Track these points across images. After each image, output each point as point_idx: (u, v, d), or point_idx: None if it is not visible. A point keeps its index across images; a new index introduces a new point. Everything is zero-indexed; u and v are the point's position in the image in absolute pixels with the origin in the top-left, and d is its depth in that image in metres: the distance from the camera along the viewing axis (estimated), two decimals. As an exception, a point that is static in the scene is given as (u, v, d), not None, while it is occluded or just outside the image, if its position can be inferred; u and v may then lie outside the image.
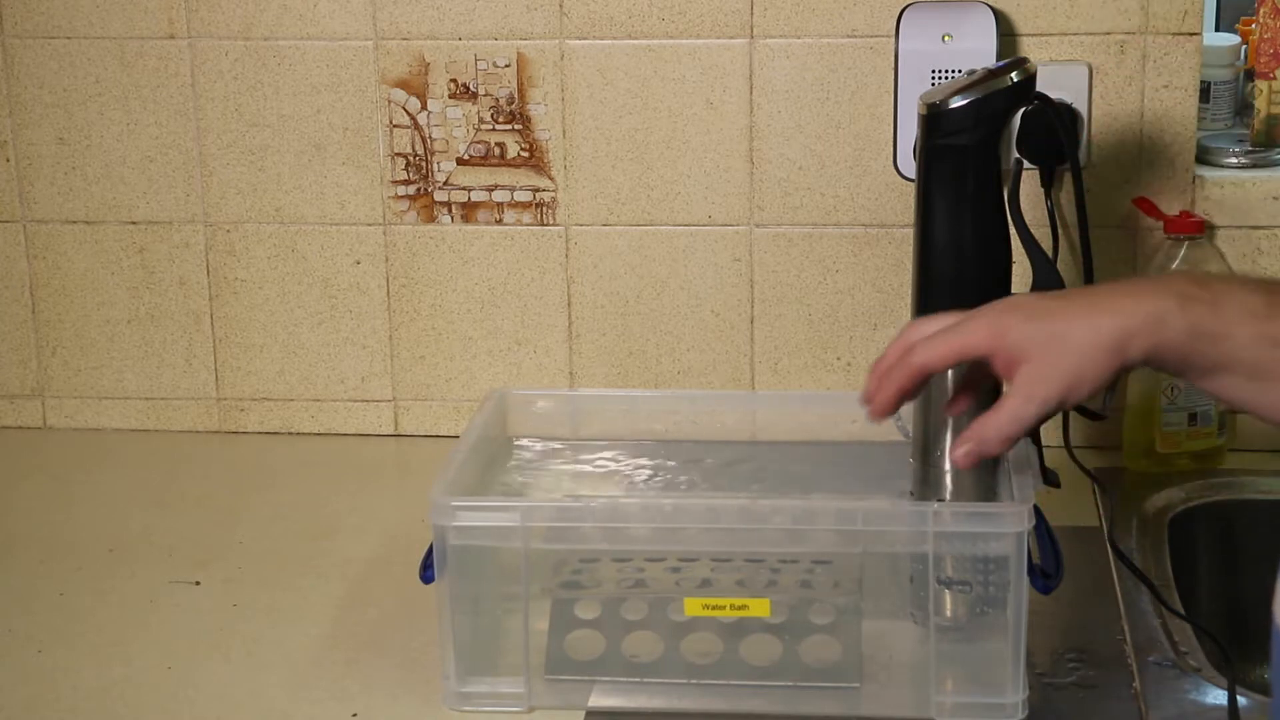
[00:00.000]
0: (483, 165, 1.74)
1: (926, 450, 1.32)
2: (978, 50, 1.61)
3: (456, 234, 1.75)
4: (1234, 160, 1.69)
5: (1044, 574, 1.24)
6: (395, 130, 1.73)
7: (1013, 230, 1.31)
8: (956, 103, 1.26)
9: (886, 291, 1.71)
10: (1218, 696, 1.26)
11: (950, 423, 1.31)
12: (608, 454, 1.49)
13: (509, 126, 1.72)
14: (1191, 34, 1.62)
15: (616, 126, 1.71)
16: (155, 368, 1.82)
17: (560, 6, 1.68)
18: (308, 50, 1.72)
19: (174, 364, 1.81)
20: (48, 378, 1.83)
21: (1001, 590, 1.24)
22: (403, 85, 1.72)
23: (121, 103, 1.75)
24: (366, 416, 1.80)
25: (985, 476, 1.31)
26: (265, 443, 1.81)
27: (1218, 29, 1.89)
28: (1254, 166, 1.69)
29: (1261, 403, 1.06)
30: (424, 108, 1.72)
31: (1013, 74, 1.28)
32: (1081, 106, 1.63)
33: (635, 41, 1.69)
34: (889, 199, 1.68)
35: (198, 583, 1.50)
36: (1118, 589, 1.42)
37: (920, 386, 1.15)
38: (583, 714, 1.27)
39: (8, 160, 1.78)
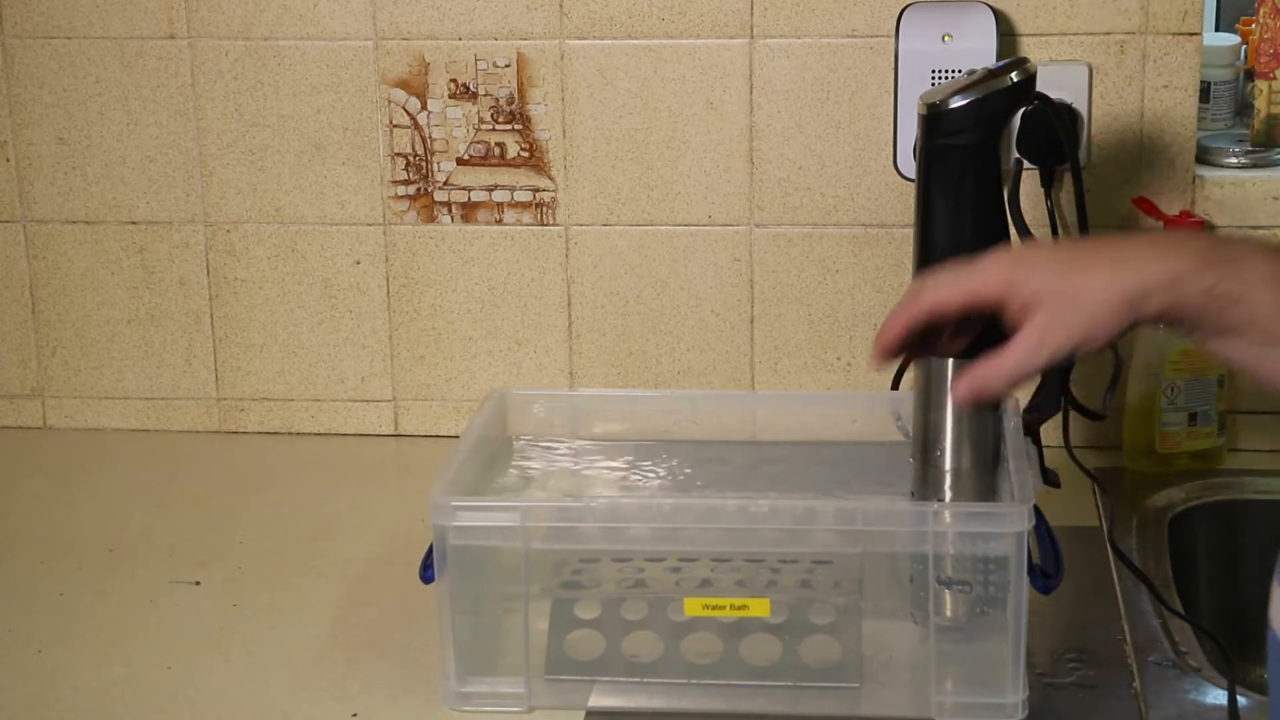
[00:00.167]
0: (483, 165, 1.74)
1: (926, 450, 1.32)
2: (978, 50, 1.61)
3: (456, 234, 1.75)
4: (1234, 160, 1.69)
5: (1044, 574, 1.24)
6: (395, 130, 1.73)
7: (1013, 230, 1.31)
8: (956, 103, 1.26)
9: (886, 291, 1.71)
10: (1218, 696, 1.26)
11: (950, 423, 1.31)
12: (607, 454, 1.49)
13: (509, 126, 1.72)
14: (1191, 34, 1.62)
15: (616, 126, 1.71)
16: (155, 368, 1.82)
17: (560, 6, 1.68)
18: (308, 50, 1.72)
19: (174, 364, 1.81)
20: (48, 378, 1.83)
21: (1001, 590, 1.24)
22: (403, 85, 1.72)
23: (121, 103, 1.75)
24: (366, 416, 1.80)
25: (985, 476, 1.31)
26: (265, 443, 1.81)
27: (1218, 29, 1.89)
28: (1254, 166, 1.69)
29: (1270, 368, 1.06)
30: (424, 108, 1.72)
31: (1013, 74, 1.28)
32: (1081, 106, 1.63)
33: (635, 41, 1.69)
34: (889, 199, 1.68)
35: (198, 583, 1.50)
36: (1118, 589, 1.42)
37: (927, 334, 1.15)
38: (583, 714, 1.27)
39: (8, 160, 1.78)
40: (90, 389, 1.83)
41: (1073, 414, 1.58)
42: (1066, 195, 1.63)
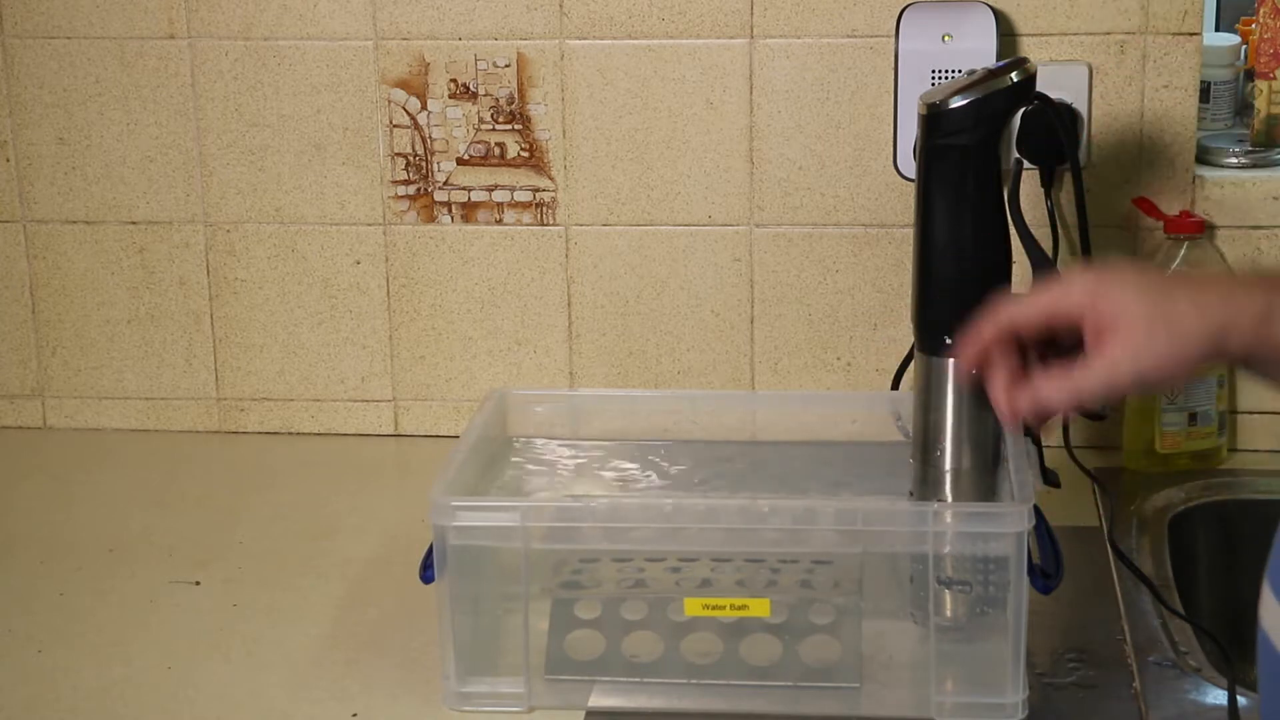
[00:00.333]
0: (483, 165, 1.74)
1: (926, 450, 1.32)
2: (978, 50, 1.61)
3: (456, 234, 1.75)
4: (1234, 160, 1.69)
5: (1044, 574, 1.24)
6: (395, 130, 1.73)
7: (1013, 230, 1.31)
8: (956, 103, 1.26)
9: (886, 291, 1.71)
10: (1218, 696, 1.26)
11: (950, 423, 1.31)
12: (607, 454, 1.49)
13: (509, 126, 1.72)
14: (1191, 34, 1.62)
15: (616, 126, 1.71)
16: (155, 368, 1.82)
17: (560, 6, 1.68)
18: (308, 50, 1.72)
19: (174, 364, 1.81)
20: (48, 378, 1.83)
21: (1001, 590, 1.24)
22: (403, 85, 1.72)
23: (121, 103, 1.75)
24: (366, 416, 1.80)
25: (985, 476, 1.31)
26: (265, 443, 1.81)
27: (1218, 29, 1.89)
28: (1254, 166, 1.69)
29: None
30: (424, 108, 1.72)
31: (1013, 74, 1.28)
32: (1081, 106, 1.63)
33: (635, 41, 1.69)
34: (889, 199, 1.68)
35: (198, 583, 1.50)
36: (1118, 589, 1.42)
37: (1007, 345, 1.11)
38: (583, 714, 1.27)
39: (8, 160, 1.78)
40: (90, 389, 1.83)
41: (1073, 414, 1.58)
42: (1066, 195, 1.63)
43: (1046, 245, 1.57)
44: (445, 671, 1.28)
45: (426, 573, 1.27)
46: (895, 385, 1.64)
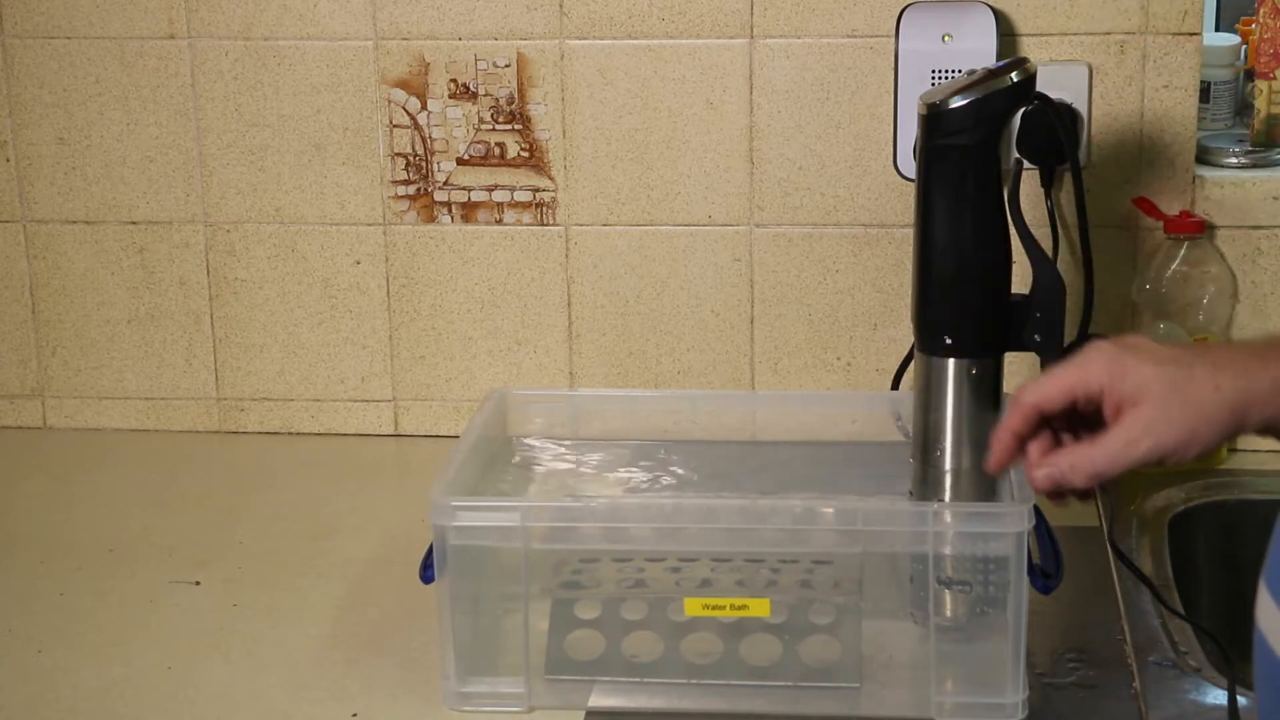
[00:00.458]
0: (483, 165, 1.74)
1: (926, 450, 1.32)
2: (978, 50, 1.61)
3: (456, 234, 1.75)
4: (1234, 160, 1.69)
5: (1044, 574, 1.24)
6: (395, 130, 1.73)
7: (1013, 230, 1.31)
8: (956, 103, 1.26)
9: (886, 291, 1.71)
10: (1218, 696, 1.26)
11: (950, 423, 1.31)
12: (608, 454, 1.49)
13: (509, 126, 1.72)
14: (1191, 34, 1.62)
15: (616, 126, 1.71)
16: (155, 368, 1.82)
17: (560, 6, 1.68)
18: (308, 50, 1.72)
19: (174, 364, 1.81)
20: (48, 378, 1.83)
21: (1001, 590, 1.24)
22: (403, 85, 1.72)
23: (121, 103, 1.75)
24: (366, 416, 1.80)
25: (985, 477, 1.31)
26: (265, 443, 1.80)
27: (1218, 29, 1.89)
28: (1254, 166, 1.69)
29: None
30: (424, 108, 1.72)
31: (1013, 74, 1.28)
32: (1081, 106, 1.63)
33: (635, 41, 1.69)
34: (889, 199, 1.68)
35: (198, 583, 1.50)
36: (1118, 589, 1.42)
37: (1035, 428, 1.12)
38: (583, 714, 1.26)
39: (8, 160, 1.78)
40: (90, 389, 1.83)
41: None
42: (1066, 195, 1.63)
43: (1046, 245, 1.56)
44: (445, 671, 1.28)
45: (426, 573, 1.27)
46: (895, 385, 1.64)
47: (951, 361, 1.30)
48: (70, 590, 1.49)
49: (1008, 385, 1.33)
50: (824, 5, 1.65)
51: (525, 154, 1.73)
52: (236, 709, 1.30)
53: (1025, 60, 1.30)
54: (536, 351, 1.77)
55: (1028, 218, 1.52)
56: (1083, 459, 1.08)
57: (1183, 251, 1.64)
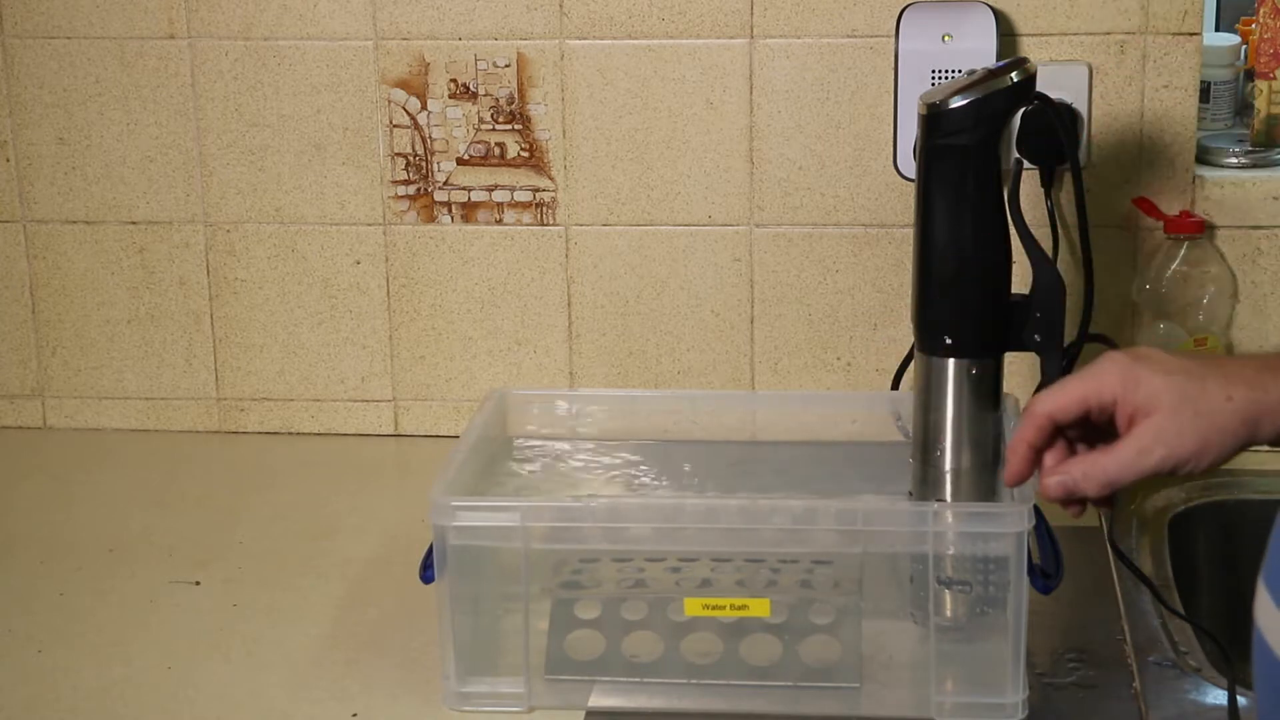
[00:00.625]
0: (483, 165, 1.74)
1: (926, 450, 1.32)
2: (978, 50, 1.61)
3: (456, 234, 1.75)
4: (1234, 160, 1.69)
5: (1044, 574, 1.24)
6: (395, 130, 1.73)
7: (1013, 230, 1.31)
8: (956, 103, 1.26)
9: (886, 291, 1.71)
10: (1218, 696, 1.26)
11: (950, 423, 1.31)
12: (608, 454, 1.49)
13: (509, 126, 1.72)
14: (1191, 34, 1.62)
15: (616, 126, 1.71)
16: (155, 368, 1.82)
17: (560, 6, 1.68)
18: (308, 50, 1.72)
19: (174, 364, 1.81)
20: (48, 378, 1.83)
21: (1001, 590, 1.24)
22: (403, 85, 1.72)
23: (121, 103, 1.75)
24: (366, 416, 1.80)
25: (985, 476, 1.31)
26: (265, 443, 1.80)
27: (1218, 29, 1.89)
28: (1254, 166, 1.69)
29: None
30: (424, 108, 1.72)
31: (1013, 74, 1.28)
32: (1081, 106, 1.63)
33: (635, 41, 1.69)
34: (889, 199, 1.68)
35: (198, 583, 1.50)
36: (1118, 589, 1.42)
37: (1049, 438, 1.12)
38: (583, 714, 1.26)
39: (8, 160, 1.78)
40: (90, 389, 1.83)
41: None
42: (1066, 195, 1.63)
43: (1046, 245, 1.56)
44: (445, 671, 1.28)
45: (426, 573, 1.27)
46: (895, 385, 1.64)
47: (951, 361, 1.30)
48: (70, 590, 1.49)
49: (1008, 385, 1.33)
50: (824, 5, 1.66)
51: (525, 154, 1.73)
52: (236, 709, 1.30)
53: (1025, 60, 1.30)
54: (536, 351, 1.77)
55: (1028, 218, 1.52)
56: (1095, 467, 1.09)
57: (1183, 251, 1.64)
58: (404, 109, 1.73)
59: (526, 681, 1.27)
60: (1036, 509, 1.23)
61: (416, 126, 1.73)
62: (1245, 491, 1.62)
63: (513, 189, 1.73)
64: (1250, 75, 1.79)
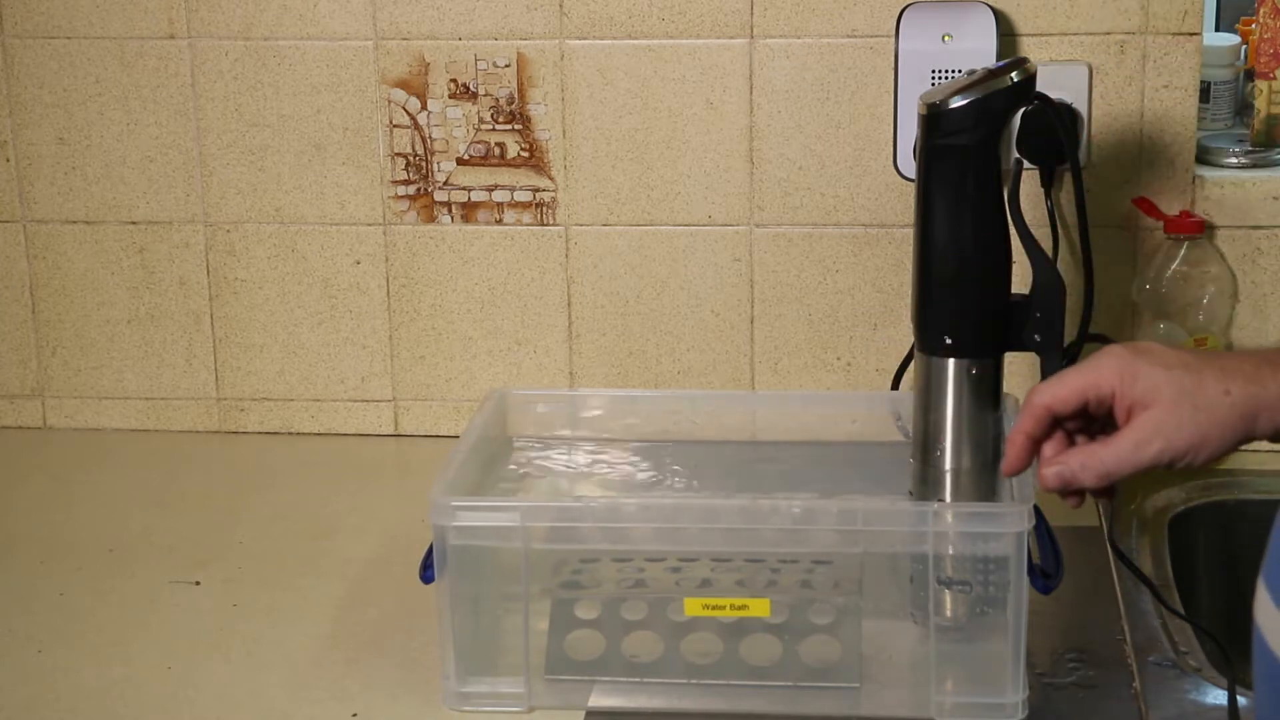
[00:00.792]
0: (483, 165, 1.74)
1: (926, 450, 1.32)
2: (978, 50, 1.61)
3: (456, 234, 1.75)
4: (1234, 160, 1.69)
5: (1044, 574, 1.24)
6: (395, 130, 1.73)
7: (1013, 230, 1.31)
8: (956, 103, 1.26)
9: (886, 291, 1.71)
10: (1218, 696, 1.26)
11: (950, 423, 1.31)
12: (608, 454, 1.49)
13: (509, 126, 1.72)
14: (1191, 34, 1.62)
15: (616, 126, 1.71)
16: (155, 368, 1.82)
17: (560, 6, 1.68)
18: (308, 50, 1.72)
19: (174, 364, 1.81)
20: (48, 378, 1.83)
21: (1001, 590, 1.24)
22: (403, 85, 1.72)
23: (121, 103, 1.75)
24: (366, 416, 1.80)
25: (985, 476, 1.31)
26: (265, 443, 1.81)
27: (1218, 29, 1.89)
28: (1254, 166, 1.69)
29: None
30: (424, 108, 1.72)
31: (1013, 74, 1.28)
32: (1081, 106, 1.63)
33: (635, 41, 1.69)
34: (889, 199, 1.68)
35: (198, 583, 1.50)
36: (1118, 589, 1.42)
37: (1048, 430, 1.13)
38: (583, 714, 1.27)
39: (8, 160, 1.78)
40: (90, 389, 1.83)
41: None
42: (1066, 195, 1.63)
43: (1046, 245, 1.56)
44: (445, 671, 1.28)
45: (426, 573, 1.27)
46: (895, 385, 1.64)
47: (951, 361, 1.30)
48: (70, 590, 1.49)
49: (1008, 385, 1.33)
50: (824, 5, 1.66)
51: (525, 154, 1.73)
52: (236, 709, 1.30)
53: (1025, 60, 1.30)
54: (536, 351, 1.77)
55: (1028, 218, 1.52)
56: (1093, 459, 1.09)
57: (1183, 251, 1.64)
58: (404, 109, 1.73)
59: (526, 681, 1.27)
60: (1037, 509, 1.23)
61: (416, 126, 1.73)
62: (1245, 491, 1.62)
63: (513, 189, 1.73)
64: (1250, 75, 1.79)
